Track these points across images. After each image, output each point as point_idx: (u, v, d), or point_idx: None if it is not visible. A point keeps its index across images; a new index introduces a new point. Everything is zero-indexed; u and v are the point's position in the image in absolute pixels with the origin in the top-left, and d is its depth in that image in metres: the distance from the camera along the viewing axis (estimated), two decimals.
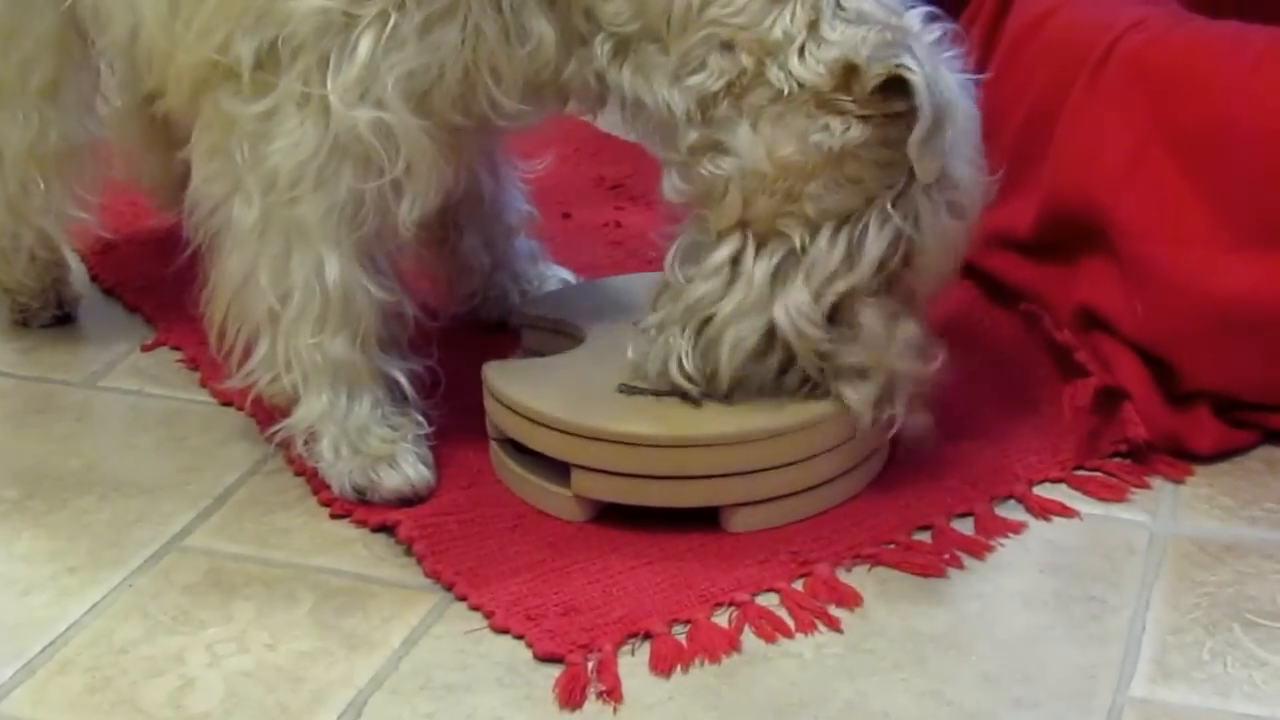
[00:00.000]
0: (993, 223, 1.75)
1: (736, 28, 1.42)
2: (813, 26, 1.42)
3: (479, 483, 1.58)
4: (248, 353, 1.57)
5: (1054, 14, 1.74)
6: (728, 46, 1.42)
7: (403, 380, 1.58)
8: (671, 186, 1.49)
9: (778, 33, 1.41)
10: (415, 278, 1.71)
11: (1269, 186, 1.58)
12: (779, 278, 1.47)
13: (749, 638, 1.41)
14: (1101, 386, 1.61)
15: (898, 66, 1.39)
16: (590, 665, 1.38)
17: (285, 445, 1.60)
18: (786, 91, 1.42)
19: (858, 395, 1.48)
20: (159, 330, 1.85)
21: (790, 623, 1.42)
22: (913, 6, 1.48)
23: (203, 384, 1.75)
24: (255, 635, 1.43)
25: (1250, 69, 1.59)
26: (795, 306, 1.46)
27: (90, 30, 1.66)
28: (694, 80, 1.43)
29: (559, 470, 1.53)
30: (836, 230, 1.45)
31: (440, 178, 1.51)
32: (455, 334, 1.74)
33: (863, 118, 1.42)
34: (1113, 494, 1.57)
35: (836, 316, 1.48)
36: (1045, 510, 1.55)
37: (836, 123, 1.42)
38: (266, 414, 1.62)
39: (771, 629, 1.42)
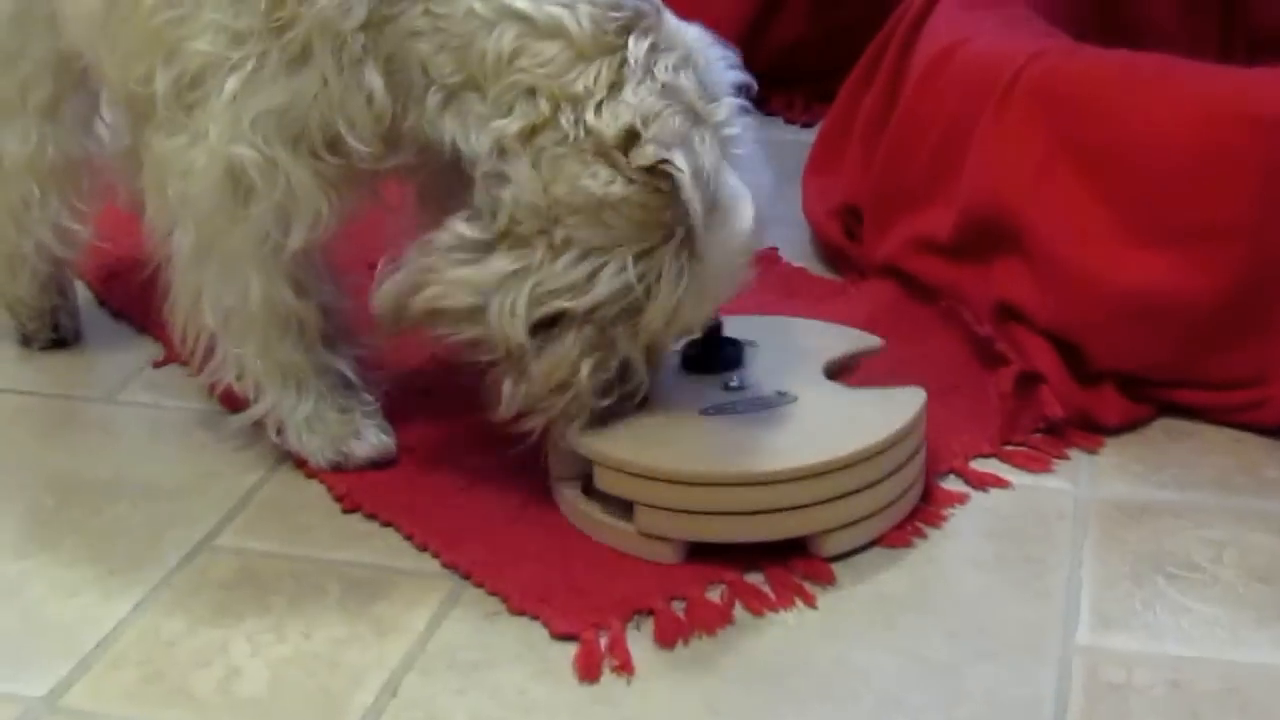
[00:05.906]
0: (915, 230, 1.81)
1: (542, 76, 1.39)
2: (614, 87, 1.38)
3: (478, 482, 1.57)
4: (209, 355, 1.59)
5: (961, 46, 1.77)
6: (531, 93, 1.40)
7: (346, 371, 1.60)
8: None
9: (579, 87, 1.39)
10: None
11: (1158, 192, 1.62)
12: (511, 277, 1.42)
13: (739, 611, 1.42)
14: (1020, 372, 1.65)
15: (663, 162, 1.36)
16: (603, 641, 1.39)
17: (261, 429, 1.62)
18: (572, 137, 1.39)
19: (509, 392, 1.46)
20: (167, 348, 1.81)
21: (772, 596, 1.44)
22: (733, 94, 1.43)
23: (212, 394, 1.71)
24: (291, 625, 1.42)
25: (1141, 92, 1.64)
26: (510, 303, 1.41)
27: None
28: (498, 123, 1.41)
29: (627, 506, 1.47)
30: (577, 260, 1.41)
31: (325, 211, 1.50)
32: None
33: (629, 179, 1.38)
34: (1038, 465, 1.60)
35: (542, 329, 1.43)
36: (982, 482, 1.58)
37: (604, 173, 1.38)
38: (235, 403, 1.64)
39: (759, 603, 1.43)
